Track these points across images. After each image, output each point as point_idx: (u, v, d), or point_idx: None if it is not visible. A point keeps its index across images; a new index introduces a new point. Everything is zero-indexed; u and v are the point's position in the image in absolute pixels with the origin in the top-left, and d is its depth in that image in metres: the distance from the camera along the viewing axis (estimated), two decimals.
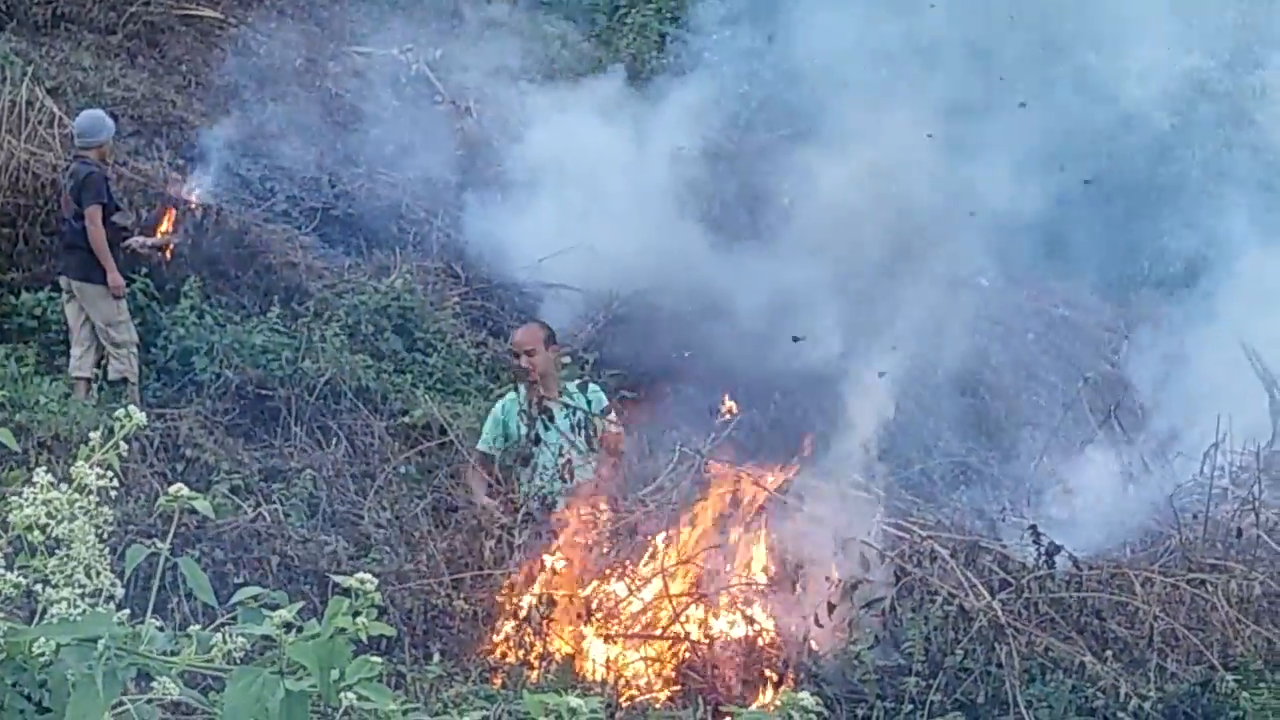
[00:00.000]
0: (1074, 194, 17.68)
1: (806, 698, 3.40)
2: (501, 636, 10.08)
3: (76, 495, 3.62)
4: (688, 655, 9.83)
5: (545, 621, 10.13)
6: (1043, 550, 10.12)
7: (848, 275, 15.97)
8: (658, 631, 10.14)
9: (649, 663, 9.89)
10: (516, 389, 11.35)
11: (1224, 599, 9.81)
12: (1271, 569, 10.39)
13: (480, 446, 11.22)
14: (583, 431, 11.30)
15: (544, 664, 9.66)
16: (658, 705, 9.16)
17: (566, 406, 11.30)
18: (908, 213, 17.26)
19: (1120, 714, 8.90)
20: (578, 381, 11.73)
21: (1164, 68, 20.71)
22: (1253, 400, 12.92)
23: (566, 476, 11.15)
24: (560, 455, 11.18)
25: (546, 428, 11.08)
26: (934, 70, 19.49)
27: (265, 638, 3.58)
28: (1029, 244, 17.17)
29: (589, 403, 11.37)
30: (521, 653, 9.85)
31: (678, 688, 9.57)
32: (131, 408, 3.83)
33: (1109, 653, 9.30)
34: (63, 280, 14.02)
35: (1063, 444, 13.86)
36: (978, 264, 16.83)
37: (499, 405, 11.31)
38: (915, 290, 15.37)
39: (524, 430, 11.08)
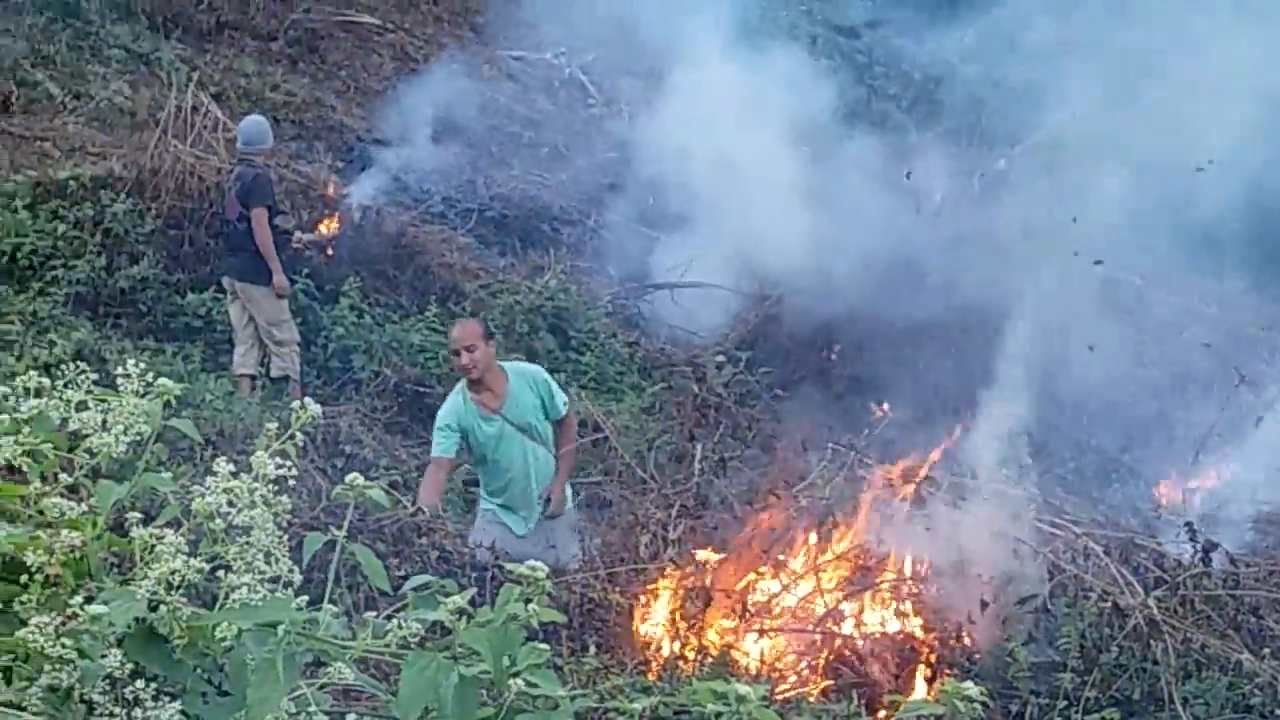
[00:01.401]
0: (1225, 195, 17.49)
1: (971, 687, 3.41)
2: (658, 630, 10.13)
3: (256, 484, 3.68)
4: (841, 649, 9.85)
5: (701, 616, 10.17)
6: (1199, 547, 10.04)
7: (998, 273, 15.90)
8: (811, 626, 10.17)
9: (802, 656, 9.91)
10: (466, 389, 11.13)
11: None
12: None
13: (439, 454, 10.97)
14: (537, 422, 11.19)
15: (699, 656, 9.70)
16: (812, 699, 9.17)
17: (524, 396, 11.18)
18: (1057, 212, 17.18)
19: (1278, 711, 8.83)
20: (521, 365, 11.57)
21: None
22: None
23: (533, 488, 11.11)
24: (544, 467, 11.15)
25: (496, 424, 10.97)
26: (1073, 72, 19.45)
27: (433, 625, 3.62)
28: (1183, 244, 17.02)
29: (546, 387, 11.26)
30: (677, 646, 9.90)
31: (830, 681, 9.59)
32: (307, 400, 3.91)
33: (1266, 650, 9.22)
34: (226, 281, 14.20)
35: (1219, 442, 13.75)
36: (1132, 263, 16.71)
37: (447, 410, 11.07)
38: (1069, 289, 15.29)
39: (485, 423, 10.94)
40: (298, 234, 14.81)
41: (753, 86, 18.35)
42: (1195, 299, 16.49)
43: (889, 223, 16.85)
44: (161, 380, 4.01)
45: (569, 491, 11.23)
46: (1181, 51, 19.75)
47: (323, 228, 15.54)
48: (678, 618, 10.23)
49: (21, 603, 3.46)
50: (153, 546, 3.58)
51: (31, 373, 3.97)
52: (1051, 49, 20.28)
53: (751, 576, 10.64)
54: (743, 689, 3.36)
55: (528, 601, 3.44)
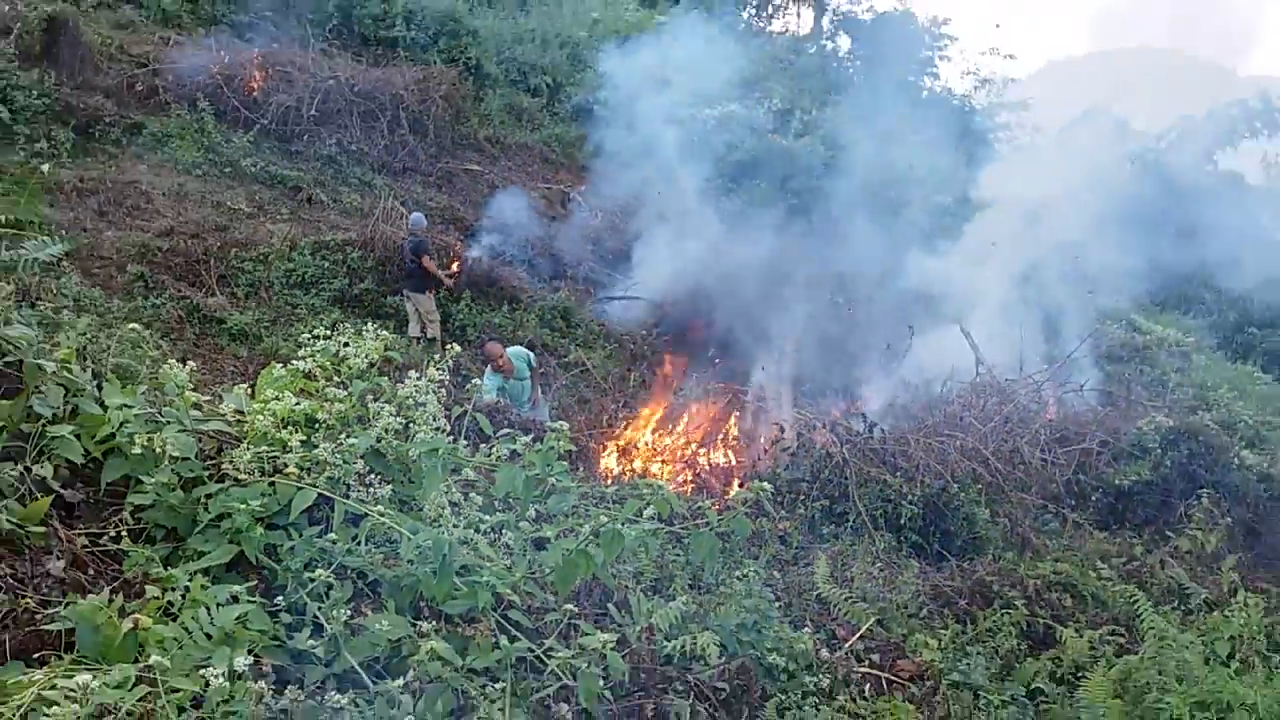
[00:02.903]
0: (879, 246, 17.42)
1: (765, 485, 3.46)
2: (611, 461, 10.20)
3: (429, 382, 3.71)
4: (699, 471, 9.92)
5: (632, 455, 10.25)
6: (868, 425, 10.16)
7: (782, 288, 15.91)
8: (684, 460, 10.24)
9: (680, 474, 9.99)
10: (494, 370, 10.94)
11: (954, 450, 9.82)
12: (976, 436, 10.37)
13: (488, 397, 10.47)
14: (528, 374, 11.15)
15: (631, 474, 9.77)
16: (685, 494, 9.27)
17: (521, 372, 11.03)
18: (812, 252, 17.19)
19: (903, 503, 8.93)
20: (514, 349, 11.34)
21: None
22: (968, 357, 12.85)
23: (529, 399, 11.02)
24: (527, 391, 11.05)
25: (511, 381, 10.87)
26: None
27: (513, 452, 3.66)
28: (857, 276, 17.05)
29: (527, 358, 11.23)
30: (620, 469, 9.97)
31: (693, 485, 9.67)
32: (453, 344, 3.95)
33: (898, 474, 9.32)
34: (405, 292, 14.18)
35: (878, 376, 13.79)
36: (833, 290, 16.77)
37: (490, 382, 10.79)
38: (809, 304, 15.37)
39: (506, 385, 10.85)
40: (442, 272, 14.75)
41: (658, 191, 18.32)
42: (875, 289, 16.39)
43: (729, 264, 16.82)
44: (382, 333, 4.04)
45: (540, 393, 11.17)
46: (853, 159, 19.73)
47: (453, 267, 15.44)
48: (620, 456, 10.31)
49: (314, 437, 3.49)
50: (379, 412, 3.62)
51: (321, 328, 3.99)
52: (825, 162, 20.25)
53: (657, 435, 10.72)
54: (661, 483, 3.41)
55: (559, 440, 3.49)
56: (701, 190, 18.56)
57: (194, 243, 14.15)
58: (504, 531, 3.39)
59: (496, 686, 2.83)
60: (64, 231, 12.16)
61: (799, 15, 41.33)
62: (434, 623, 2.93)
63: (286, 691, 2.58)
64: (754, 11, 38.37)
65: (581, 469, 9.47)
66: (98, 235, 13.49)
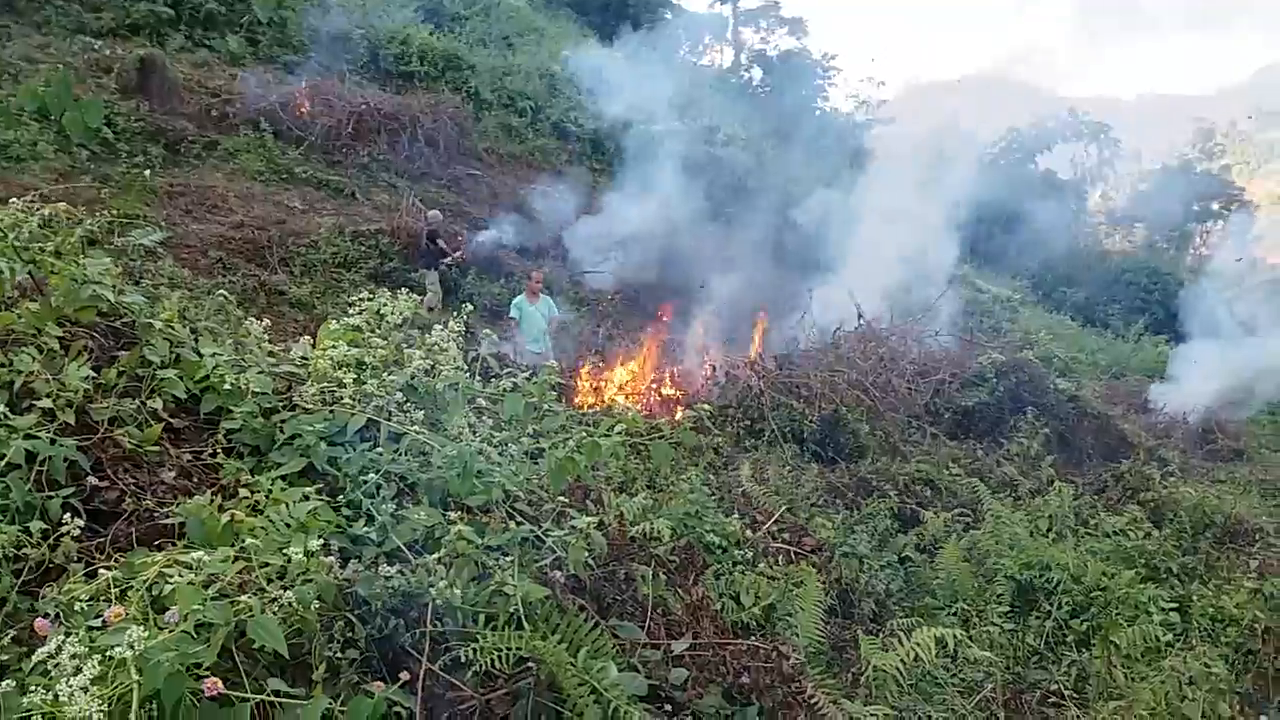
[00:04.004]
0: (785, 229, 17.31)
1: (706, 407, 3.47)
2: (587, 394, 10.17)
3: (450, 334, 3.69)
4: (652, 402, 9.94)
5: (603, 387, 10.23)
6: (778, 363, 10.20)
7: (720, 263, 15.86)
8: (642, 392, 10.24)
9: (640, 403, 10.00)
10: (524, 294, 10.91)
11: (843, 381, 9.92)
12: (859, 371, 10.45)
13: (513, 315, 10.55)
14: (547, 314, 10.94)
15: (604, 403, 9.76)
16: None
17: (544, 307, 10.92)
18: (723, 245, 17.08)
19: (805, 422, 9.03)
20: (546, 296, 11.24)
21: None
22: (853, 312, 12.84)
23: (543, 336, 10.75)
24: (541, 326, 10.77)
25: (529, 309, 10.71)
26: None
27: (515, 385, 3.65)
28: (770, 251, 16.98)
29: (551, 304, 11.09)
30: (594, 401, 9.95)
31: (647, 411, 9.68)
32: (466, 304, 3.91)
33: (801, 401, 9.40)
34: (420, 268, 14.01)
35: (784, 327, 13.74)
36: (751, 262, 16.70)
37: (516, 303, 10.69)
38: (735, 272, 15.32)
39: (530, 309, 10.62)
40: (451, 256, 14.50)
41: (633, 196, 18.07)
42: (783, 263, 16.37)
43: (680, 242, 16.73)
44: (411, 295, 4.00)
45: (549, 339, 11.07)
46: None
47: (459, 253, 15.16)
48: (594, 391, 10.29)
49: (363, 376, 3.46)
50: (412, 356, 3.59)
51: (365, 293, 3.94)
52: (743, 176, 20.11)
53: (621, 373, 10.71)
54: (630, 406, 3.42)
55: (550, 376, 3.49)
56: (650, 187, 18.34)
57: (260, 233, 13.87)
58: (509, 445, 3.40)
59: (507, 559, 2.86)
60: (160, 225, 11.87)
61: (721, 52, 41.05)
62: (459, 513, 2.95)
63: (349, 565, 2.60)
64: (687, 49, 37.95)
65: (564, 401, 9.45)
66: (185, 228, 13.17)
